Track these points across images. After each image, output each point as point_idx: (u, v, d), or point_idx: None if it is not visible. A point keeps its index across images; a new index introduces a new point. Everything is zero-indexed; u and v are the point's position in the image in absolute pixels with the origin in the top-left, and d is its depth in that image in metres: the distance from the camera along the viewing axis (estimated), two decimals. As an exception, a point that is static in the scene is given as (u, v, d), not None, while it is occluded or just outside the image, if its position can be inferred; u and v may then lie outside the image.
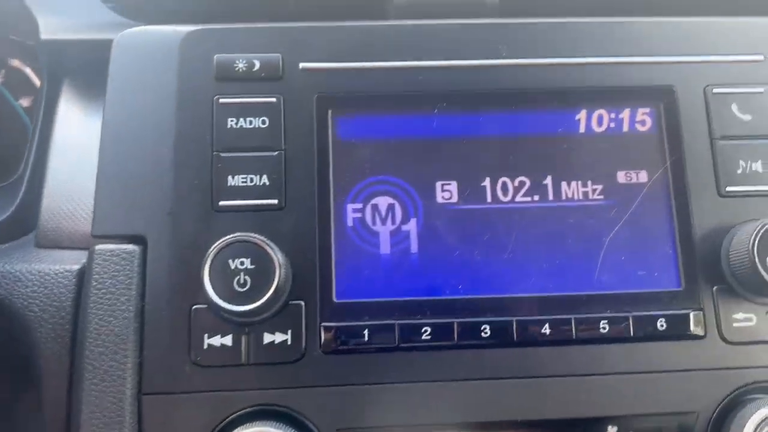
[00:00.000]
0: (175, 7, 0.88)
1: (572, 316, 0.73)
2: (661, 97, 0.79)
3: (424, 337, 0.72)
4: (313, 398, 0.71)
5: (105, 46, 0.79)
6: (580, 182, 0.77)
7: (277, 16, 0.88)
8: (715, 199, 0.77)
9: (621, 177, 0.77)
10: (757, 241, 0.71)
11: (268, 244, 0.68)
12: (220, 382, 0.70)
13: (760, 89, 0.80)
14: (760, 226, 0.72)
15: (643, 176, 0.78)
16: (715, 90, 0.80)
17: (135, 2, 0.92)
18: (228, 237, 0.68)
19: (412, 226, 0.75)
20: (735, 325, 0.74)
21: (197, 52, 0.78)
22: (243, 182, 0.74)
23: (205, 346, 0.70)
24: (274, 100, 0.76)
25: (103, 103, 0.77)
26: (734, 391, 0.73)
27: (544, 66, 0.79)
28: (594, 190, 0.77)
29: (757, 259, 0.71)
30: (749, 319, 0.75)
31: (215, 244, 0.68)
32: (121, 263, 0.73)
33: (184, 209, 0.73)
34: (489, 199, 0.76)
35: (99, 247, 0.74)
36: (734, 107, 0.80)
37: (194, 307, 0.71)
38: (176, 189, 0.73)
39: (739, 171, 0.78)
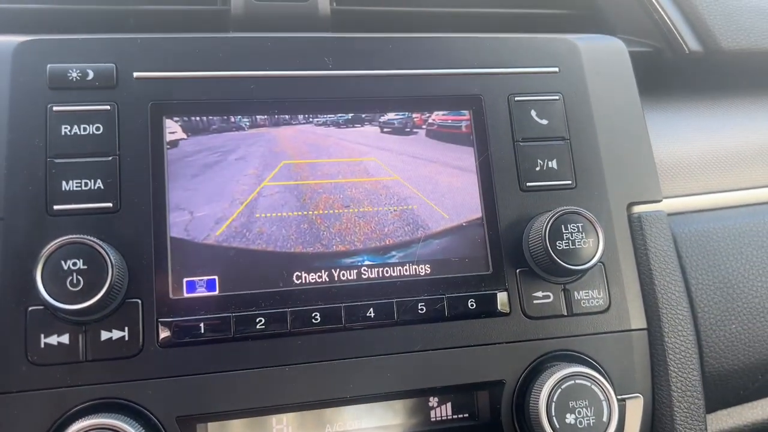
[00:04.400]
0: (7, 18, 0.89)
1: (394, 300, 0.81)
2: (471, 105, 0.89)
3: (258, 327, 0.78)
4: (152, 389, 0.75)
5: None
6: (401, 179, 0.85)
7: (117, 29, 0.91)
8: (517, 193, 0.88)
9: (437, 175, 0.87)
10: (548, 229, 0.83)
11: (100, 245, 0.71)
12: (58, 379, 0.73)
13: (555, 97, 0.92)
14: (551, 216, 0.83)
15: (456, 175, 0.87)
16: (517, 98, 0.91)
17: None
18: (60, 239, 0.71)
19: (249, 222, 0.81)
20: (535, 302, 0.85)
21: (30, 61, 0.80)
22: (77, 187, 0.77)
23: (42, 346, 0.73)
24: (108, 107, 0.79)
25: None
26: (535, 360, 0.84)
27: (367, 77, 0.87)
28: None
29: (549, 245, 0.82)
30: (547, 297, 0.86)
31: (47, 247, 0.71)
32: (-49, 271, 0.73)
33: (16, 215, 0.75)
34: (319, 200, 0.83)
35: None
36: (533, 113, 0.91)
37: (30, 308, 0.73)
38: (8, 195, 0.75)
39: (537, 168, 0.89)
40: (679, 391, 0.87)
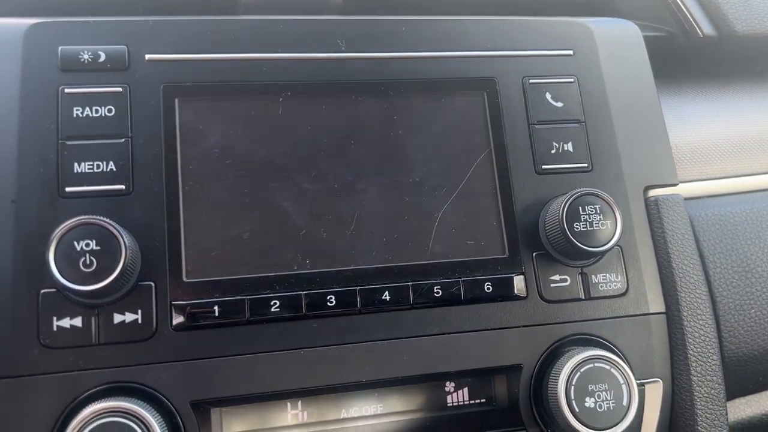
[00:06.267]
0: (19, 1, 0.88)
1: (409, 283, 0.80)
2: (485, 87, 0.88)
3: (273, 309, 0.76)
4: (166, 373, 0.73)
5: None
6: (415, 163, 0.84)
7: (127, 13, 0.90)
8: (533, 176, 0.87)
9: (452, 158, 0.86)
10: (565, 211, 0.81)
11: (113, 226, 0.70)
12: (71, 362, 0.72)
13: (570, 79, 0.91)
14: (568, 198, 0.82)
15: (471, 158, 0.86)
16: (532, 80, 0.90)
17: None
18: (72, 220, 0.70)
19: (261, 207, 0.80)
20: (552, 285, 0.84)
21: (41, 43, 0.79)
22: (89, 169, 0.76)
23: (55, 329, 0.72)
24: (120, 89, 0.79)
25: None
26: (553, 344, 0.83)
27: (380, 60, 0.86)
28: (428, 171, 0.84)
29: (566, 227, 0.81)
30: (564, 280, 0.85)
31: (60, 227, 0.70)
32: (-38, 253, 0.73)
33: (28, 197, 0.74)
34: (334, 182, 0.82)
35: (-61, 237, 0.73)
36: (548, 95, 0.90)
37: (43, 291, 0.72)
38: (20, 177, 0.74)
39: (553, 151, 0.88)
40: (699, 375, 0.86)
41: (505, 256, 0.84)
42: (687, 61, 1.08)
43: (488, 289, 0.82)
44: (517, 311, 0.83)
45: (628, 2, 1.06)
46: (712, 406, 0.86)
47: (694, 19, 1.03)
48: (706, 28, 1.04)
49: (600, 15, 1.00)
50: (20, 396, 0.70)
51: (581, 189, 0.82)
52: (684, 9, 1.03)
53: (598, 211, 0.82)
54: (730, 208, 0.95)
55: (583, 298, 0.84)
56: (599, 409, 0.77)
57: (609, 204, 0.82)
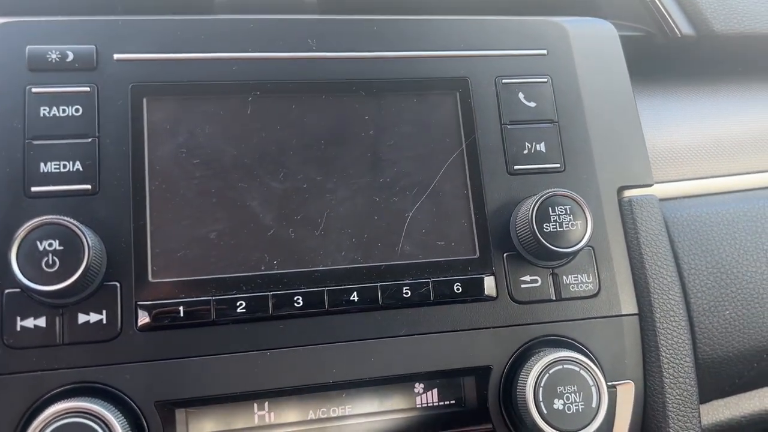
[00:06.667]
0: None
1: (378, 284, 0.80)
2: (457, 87, 0.88)
3: (239, 310, 0.76)
4: (130, 373, 0.73)
5: None
6: (385, 163, 0.84)
7: (98, 12, 0.90)
8: (504, 176, 0.86)
9: (423, 159, 0.85)
10: (535, 212, 0.81)
11: (76, 225, 0.70)
12: (34, 362, 0.72)
13: (544, 79, 0.91)
14: (538, 198, 0.82)
15: (442, 158, 0.86)
16: (505, 80, 0.90)
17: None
18: (35, 220, 0.70)
19: (228, 207, 0.79)
20: (523, 286, 0.84)
21: (9, 43, 0.79)
22: (56, 169, 0.76)
23: (18, 329, 0.72)
24: (87, 89, 0.78)
25: None
26: (522, 345, 0.82)
27: (351, 59, 0.86)
28: (398, 171, 0.84)
29: (536, 227, 0.80)
30: (535, 281, 0.84)
31: (22, 227, 0.70)
32: (-72, 252, 0.72)
33: None
34: (303, 182, 0.81)
35: None
36: (521, 95, 0.90)
37: (7, 291, 0.72)
38: None
39: (525, 151, 0.88)
40: (672, 377, 0.85)
41: (475, 256, 0.83)
42: (665, 61, 1.08)
43: (458, 289, 0.81)
44: (487, 312, 0.82)
45: (606, 1, 1.06)
46: (684, 408, 0.86)
47: (672, 19, 1.03)
48: (684, 27, 1.03)
49: (578, 14, 0.99)
50: (-17, 396, 0.70)
51: (551, 189, 0.82)
52: (662, 8, 1.03)
53: (569, 212, 0.82)
54: (705, 210, 0.95)
55: (554, 299, 0.84)
56: (568, 411, 0.77)
57: (579, 204, 0.82)
